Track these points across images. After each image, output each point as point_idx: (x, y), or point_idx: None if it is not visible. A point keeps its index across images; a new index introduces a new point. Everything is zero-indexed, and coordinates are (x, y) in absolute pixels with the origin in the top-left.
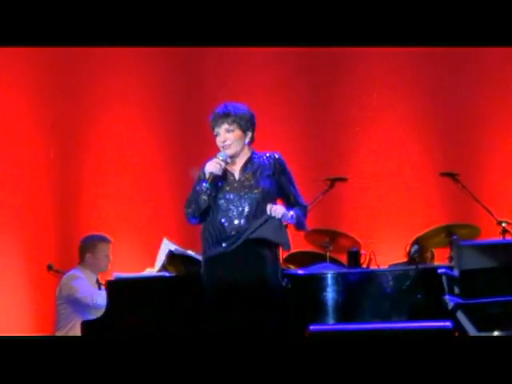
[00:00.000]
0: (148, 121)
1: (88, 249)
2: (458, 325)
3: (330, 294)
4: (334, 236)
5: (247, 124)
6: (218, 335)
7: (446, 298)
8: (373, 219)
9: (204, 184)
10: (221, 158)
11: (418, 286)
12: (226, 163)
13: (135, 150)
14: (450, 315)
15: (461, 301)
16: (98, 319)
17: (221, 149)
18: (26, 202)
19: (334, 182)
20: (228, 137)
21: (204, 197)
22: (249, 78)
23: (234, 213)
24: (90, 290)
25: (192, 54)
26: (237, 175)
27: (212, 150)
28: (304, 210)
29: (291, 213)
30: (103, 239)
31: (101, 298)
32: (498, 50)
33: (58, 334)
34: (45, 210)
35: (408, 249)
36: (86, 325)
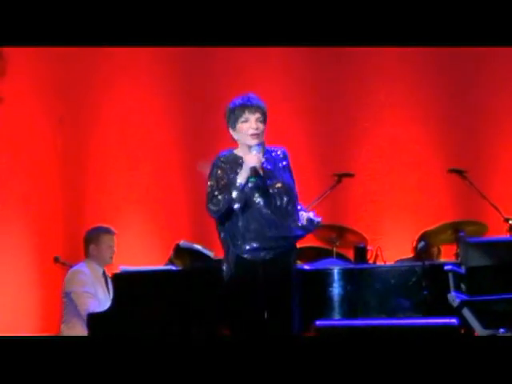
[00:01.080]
0: (157, 114)
1: (92, 240)
2: (463, 322)
3: (336, 290)
4: (340, 231)
5: (266, 119)
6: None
7: (452, 294)
8: (379, 215)
9: (250, 179)
10: (256, 151)
11: (425, 282)
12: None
13: (143, 143)
14: (455, 312)
15: (467, 298)
16: (104, 312)
17: (245, 137)
18: (33, 194)
19: (341, 177)
20: (259, 126)
21: (239, 191)
22: (256, 74)
23: (261, 204)
24: (86, 296)
25: (201, 50)
26: (259, 170)
27: (222, 143)
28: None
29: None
30: (107, 231)
31: (96, 304)
32: (508, 49)
33: (63, 327)
34: (52, 203)
35: (415, 245)
36: (92, 317)
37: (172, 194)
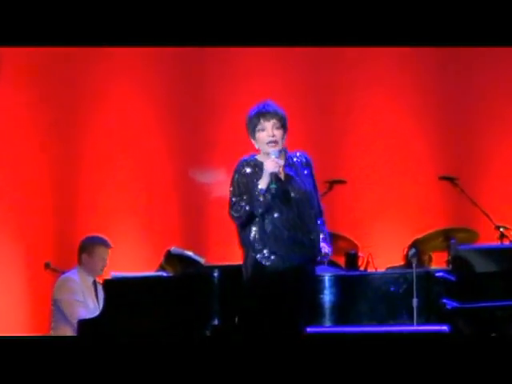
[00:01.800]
0: (149, 121)
1: (85, 249)
2: (455, 329)
3: (327, 297)
4: (332, 238)
5: (286, 125)
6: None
7: (444, 301)
8: (371, 222)
9: (271, 186)
10: (274, 156)
11: (416, 289)
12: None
13: (135, 149)
14: (447, 319)
15: (458, 305)
16: (94, 318)
17: (263, 145)
18: (24, 200)
19: (332, 184)
20: (276, 133)
21: (262, 197)
22: (249, 82)
23: (283, 213)
24: (75, 304)
25: (194, 52)
26: (282, 176)
27: (214, 149)
28: (323, 215)
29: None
30: (103, 243)
31: (85, 313)
32: (498, 55)
33: (52, 333)
34: (43, 209)
35: (406, 252)
36: (82, 324)
37: (163, 201)
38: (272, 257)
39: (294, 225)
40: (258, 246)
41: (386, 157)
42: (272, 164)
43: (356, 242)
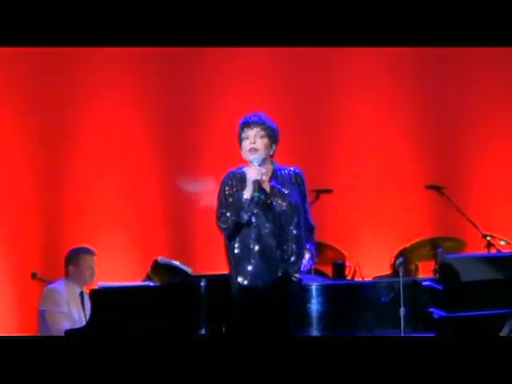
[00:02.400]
0: (135, 128)
1: (71, 261)
2: (442, 337)
3: (314, 306)
4: (319, 247)
5: (274, 136)
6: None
7: (431, 310)
8: (358, 231)
9: (254, 194)
10: (256, 163)
11: (403, 298)
12: (260, 165)
13: (122, 159)
14: (434, 328)
15: (445, 314)
16: (81, 328)
17: (246, 153)
18: (11, 209)
19: (319, 193)
20: (257, 141)
21: (247, 206)
22: (236, 90)
23: (269, 224)
24: (58, 316)
25: (181, 58)
26: (267, 188)
27: (200, 159)
28: (313, 234)
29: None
30: (87, 251)
31: (68, 325)
32: (484, 65)
33: None
34: (30, 218)
35: (393, 261)
36: (69, 333)
37: (150, 210)
38: (252, 273)
39: (276, 241)
40: (238, 262)
41: (372, 166)
42: (254, 171)
43: (343, 251)
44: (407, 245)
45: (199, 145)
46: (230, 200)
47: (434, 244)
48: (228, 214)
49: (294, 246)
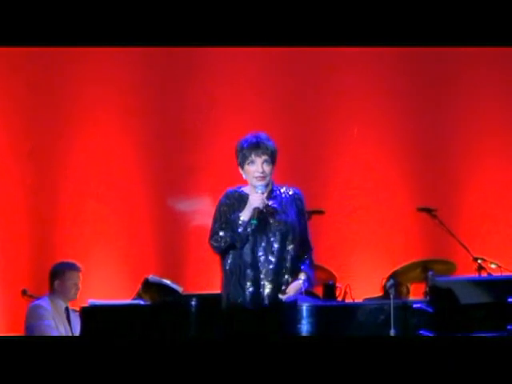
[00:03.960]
0: (127, 147)
1: (56, 276)
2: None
3: (304, 327)
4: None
5: (276, 158)
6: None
7: (421, 333)
8: (349, 252)
9: (251, 221)
10: (261, 191)
11: (393, 320)
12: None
13: (113, 177)
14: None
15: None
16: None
17: (251, 178)
18: (1, 227)
19: (311, 214)
20: (266, 168)
21: (242, 229)
22: (225, 109)
23: (263, 244)
24: (46, 327)
25: (174, 74)
26: (264, 208)
27: (194, 176)
28: (311, 257)
29: (300, 284)
30: (72, 267)
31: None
32: (471, 82)
33: None
34: (20, 236)
35: (383, 283)
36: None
37: (141, 228)
38: (241, 290)
39: (270, 259)
40: (230, 278)
41: (364, 187)
42: (258, 198)
43: (334, 272)
44: (398, 267)
45: (191, 164)
46: (226, 219)
47: (424, 266)
48: (221, 234)
49: (287, 265)
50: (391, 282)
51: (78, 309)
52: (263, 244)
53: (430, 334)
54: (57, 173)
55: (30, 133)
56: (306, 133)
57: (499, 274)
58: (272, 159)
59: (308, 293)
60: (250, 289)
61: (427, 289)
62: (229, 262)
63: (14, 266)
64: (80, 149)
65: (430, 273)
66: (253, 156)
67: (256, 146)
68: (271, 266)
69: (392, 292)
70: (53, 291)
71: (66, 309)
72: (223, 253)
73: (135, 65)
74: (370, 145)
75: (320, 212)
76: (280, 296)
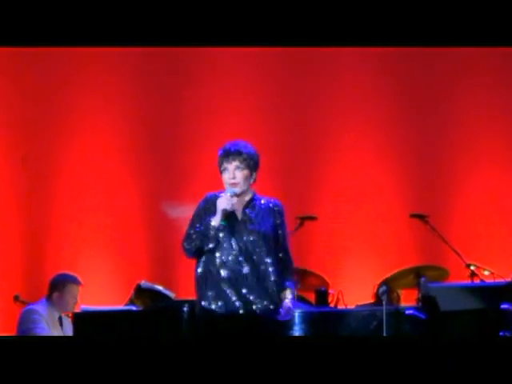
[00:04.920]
0: (120, 152)
1: (57, 288)
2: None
3: (297, 333)
4: (302, 274)
5: (255, 164)
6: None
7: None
8: (341, 259)
9: (220, 222)
10: (229, 194)
11: (386, 326)
12: (235, 195)
13: (105, 182)
14: None
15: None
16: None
17: (226, 185)
18: None
19: (303, 220)
20: (237, 174)
21: (213, 233)
22: (217, 115)
23: (235, 251)
24: (39, 332)
25: (172, 85)
26: (239, 215)
27: (187, 184)
28: (292, 271)
29: (289, 303)
30: (74, 281)
31: None
32: (473, 93)
33: None
34: (13, 241)
35: (376, 289)
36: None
37: (133, 235)
38: (210, 297)
39: (243, 268)
40: (200, 285)
41: (357, 194)
42: (224, 201)
43: (326, 278)
44: (390, 273)
45: (185, 169)
46: (201, 223)
47: (417, 273)
48: (194, 237)
49: (260, 274)
50: (383, 288)
51: (70, 315)
52: (234, 252)
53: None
54: (50, 179)
55: (23, 138)
56: (298, 139)
57: (492, 281)
58: (247, 165)
59: (300, 299)
60: (220, 294)
61: (420, 295)
62: (199, 268)
63: (7, 272)
64: (74, 154)
65: (423, 279)
66: (224, 164)
67: (227, 153)
68: (241, 274)
69: (384, 298)
70: (51, 301)
71: (60, 318)
72: (194, 256)
73: (131, 69)
74: (363, 151)
75: (312, 218)
76: (279, 317)
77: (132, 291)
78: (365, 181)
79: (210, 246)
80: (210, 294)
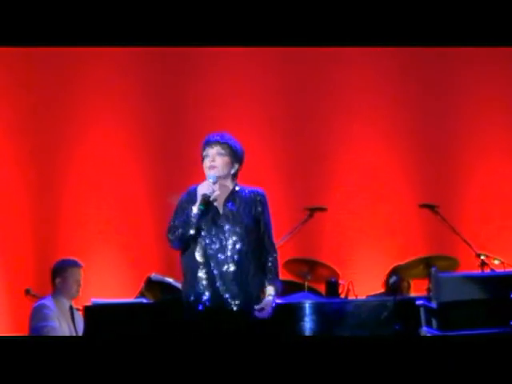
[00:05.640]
0: (128, 145)
1: (58, 273)
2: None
3: (307, 324)
4: (312, 266)
5: (237, 156)
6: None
7: (424, 329)
8: (351, 249)
9: (199, 206)
10: (211, 180)
11: (396, 317)
12: (215, 183)
13: (114, 175)
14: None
15: (438, 333)
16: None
17: (206, 170)
18: (4, 226)
19: (313, 211)
20: (217, 159)
21: (194, 220)
22: (228, 108)
23: (217, 246)
24: (49, 331)
25: (176, 82)
26: (220, 208)
27: (193, 177)
28: (276, 263)
29: (269, 300)
30: (74, 264)
31: None
32: (480, 84)
33: None
34: (23, 235)
35: (386, 279)
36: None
37: (144, 228)
38: (195, 290)
39: (226, 261)
40: (185, 277)
41: (366, 184)
42: (204, 186)
43: (337, 269)
44: (401, 263)
45: (192, 162)
46: (181, 213)
47: (427, 263)
48: (177, 226)
49: (242, 267)
50: (394, 278)
51: (81, 308)
52: (216, 246)
53: (433, 331)
54: (59, 172)
55: (31, 132)
56: (307, 130)
57: (502, 270)
58: (228, 153)
59: (311, 290)
60: (202, 289)
61: (430, 285)
62: (183, 262)
63: (17, 266)
64: (82, 147)
65: (433, 269)
66: (206, 149)
67: (210, 139)
68: (224, 268)
69: (395, 288)
70: (55, 290)
71: (70, 307)
72: (179, 247)
73: (139, 67)
74: (373, 142)
75: (322, 209)
76: (256, 313)
77: (142, 284)
78: (375, 172)
79: (191, 232)
80: (190, 289)
